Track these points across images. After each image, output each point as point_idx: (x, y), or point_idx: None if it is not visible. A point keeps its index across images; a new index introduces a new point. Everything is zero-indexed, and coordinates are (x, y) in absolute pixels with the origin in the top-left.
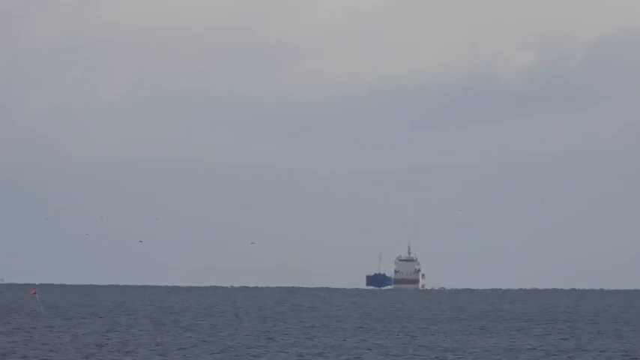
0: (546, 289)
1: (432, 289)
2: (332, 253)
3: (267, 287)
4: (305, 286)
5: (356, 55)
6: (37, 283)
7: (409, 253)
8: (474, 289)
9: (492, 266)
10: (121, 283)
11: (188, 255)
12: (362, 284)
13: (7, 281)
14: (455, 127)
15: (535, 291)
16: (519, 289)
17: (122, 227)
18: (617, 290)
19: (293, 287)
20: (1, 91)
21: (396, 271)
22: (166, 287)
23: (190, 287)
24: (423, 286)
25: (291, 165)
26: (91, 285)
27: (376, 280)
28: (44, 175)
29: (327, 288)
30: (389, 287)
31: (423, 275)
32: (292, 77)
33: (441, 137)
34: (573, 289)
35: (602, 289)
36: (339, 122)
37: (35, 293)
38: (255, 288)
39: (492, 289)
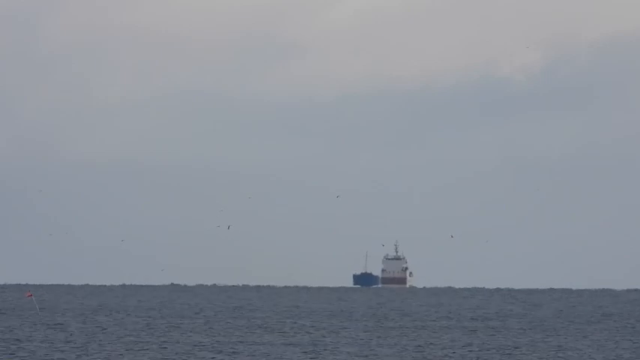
0: (530, 289)
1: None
2: (319, 251)
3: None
4: (291, 285)
5: (357, 56)
6: (37, 283)
7: (396, 252)
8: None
9: (483, 266)
10: (123, 283)
11: (184, 255)
12: (349, 283)
13: (4, 282)
14: (455, 127)
15: (516, 290)
16: (493, 289)
17: (121, 227)
18: (612, 290)
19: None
20: (1, 91)
21: (383, 270)
22: (162, 287)
23: (176, 286)
24: (410, 285)
25: (288, 165)
26: (91, 285)
27: (363, 279)
28: (44, 175)
29: (313, 287)
30: (376, 286)
31: (410, 274)
32: (293, 78)
33: (441, 137)
34: (569, 289)
35: (601, 289)
36: (337, 122)
37: (30, 296)
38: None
39: (480, 289)
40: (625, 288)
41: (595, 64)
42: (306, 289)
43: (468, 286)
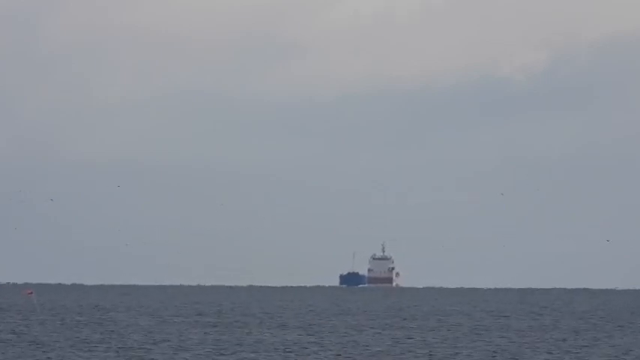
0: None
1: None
2: (306, 251)
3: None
4: (277, 285)
5: (357, 56)
6: (33, 282)
7: (383, 252)
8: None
9: (470, 265)
10: (127, 283)
11: (172, 255)
12: (336, 283)
13: (3, 281)
14: (455, 127)
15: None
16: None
17: (121, 227)
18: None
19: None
20: (2, 91)
21: (369, 270)
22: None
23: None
24: (397, 284)
25: (288, 165)
26: (92, 285)
27: (350, 279)
28: (44, 175)
29: (299, 287)
30: (363, 286)
31: (397, 274)
32: (293, 78)
33: (441, 137)
34: (564, 289)
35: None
36: (337, 122)
37: (31, 294)
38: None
39: (468, 289)
40: (624, 288)
41: (595, 64)
42: (292, 289)
43: (457, 286)
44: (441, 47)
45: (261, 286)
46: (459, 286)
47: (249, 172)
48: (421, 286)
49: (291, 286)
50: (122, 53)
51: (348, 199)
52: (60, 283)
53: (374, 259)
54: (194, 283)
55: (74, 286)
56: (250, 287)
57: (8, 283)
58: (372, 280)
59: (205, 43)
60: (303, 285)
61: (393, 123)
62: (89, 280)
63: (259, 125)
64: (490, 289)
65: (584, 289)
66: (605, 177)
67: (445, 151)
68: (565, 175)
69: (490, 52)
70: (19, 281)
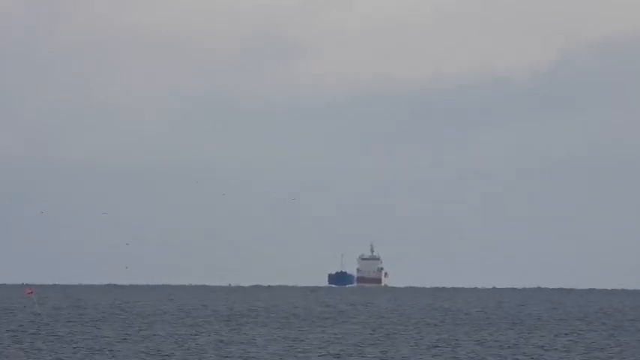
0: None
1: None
2: (295, 250)
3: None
4: (265, 284)
5: (357, 56)
6: (34, 283)
7: (372, 252)
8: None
9: (468, 266)
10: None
11: (172, 255)
12: (324, 282)
13: (2, 281)
14: (456, 127)
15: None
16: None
17: (122, 227)
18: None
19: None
20: (2, 91)
21: (358, 270)
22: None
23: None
24: (385, 284)
25: (288, 165)
26: (92, 285)
27: (338, 278)
28: (44, 175)
29: (286, 286)
30: (352, 286)
31: (385, 274)
32: (293, 78)
33: (442, 137)
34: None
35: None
36: (338, 122)
37: (31, 293)
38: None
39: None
40: (623, 288)
41: (595, 64)
42: (281, 288)
43: (447, 286)
44: (441, 47)
45: (254, 286)
46: (452, 286)
47: (249, 172)
48: (410, 286)
49: (280, 286)
50: (122, 53)
51: (345, 198)
52: (59, 284)
53: (362, 259)
54: (195, 284)
55: (74, 286)
56: (237, 287)
57: (16, 284)
58: (360, 279)
59: (205, 43)
60: (292, 285)
61: (393, 123)
62: (89, 280)
63: (259, 125)
64: (488, 288)
65: (586, 290)
66: (605, 177)
67: (445, 151)
68: (565, 175)
69: (490, 52)
70: (19, 281)
